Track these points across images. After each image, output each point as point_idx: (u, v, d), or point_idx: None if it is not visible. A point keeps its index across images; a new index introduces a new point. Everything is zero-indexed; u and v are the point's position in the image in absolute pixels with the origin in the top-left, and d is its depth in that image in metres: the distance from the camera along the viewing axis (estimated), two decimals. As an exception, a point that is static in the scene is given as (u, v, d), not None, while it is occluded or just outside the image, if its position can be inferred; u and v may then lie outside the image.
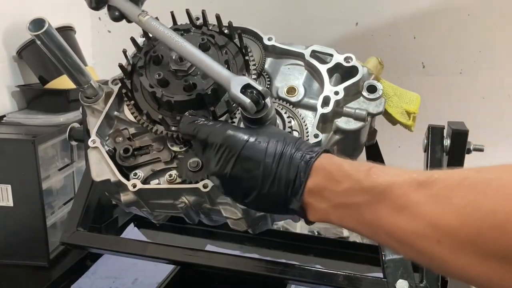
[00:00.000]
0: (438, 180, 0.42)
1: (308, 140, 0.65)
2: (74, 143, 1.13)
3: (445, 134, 0.84)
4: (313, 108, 0.68)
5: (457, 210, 0.39)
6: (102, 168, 0.67)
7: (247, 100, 0.54)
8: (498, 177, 0.39)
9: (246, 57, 0.65)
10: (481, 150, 0.82)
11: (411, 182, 0.43)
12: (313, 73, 0.72)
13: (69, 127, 1.10)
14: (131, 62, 0.69)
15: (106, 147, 0.69)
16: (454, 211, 0.39)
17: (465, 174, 0.41)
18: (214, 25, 0.68)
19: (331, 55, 0.71)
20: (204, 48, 0.65)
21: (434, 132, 0.84)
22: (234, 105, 0.63)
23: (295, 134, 0.66)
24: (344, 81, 0.69)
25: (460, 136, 0.81)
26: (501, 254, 0.37)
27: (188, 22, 0.68)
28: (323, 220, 0.52)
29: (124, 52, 0.68)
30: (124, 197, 0.68)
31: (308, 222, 0.54)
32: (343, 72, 0.71)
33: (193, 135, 0.58)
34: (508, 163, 0.40)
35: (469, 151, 0.82)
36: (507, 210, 0.36)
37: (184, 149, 0.67)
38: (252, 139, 0.53)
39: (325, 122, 0.68)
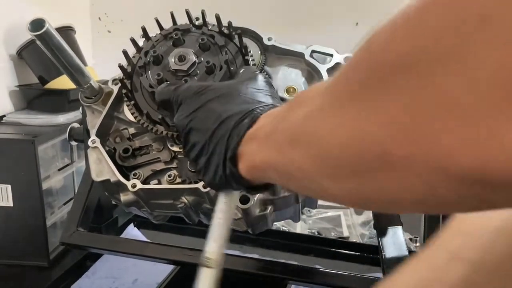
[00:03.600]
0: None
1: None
2: (74, 143, 1.13)
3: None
4: (313, 108, 0.68)
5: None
6: (102, 168, 0.67)
7: None
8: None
9: (246, 57, 0.65)
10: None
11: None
12: (313, 73, 0.72)
13: (69, 127, 1.10)
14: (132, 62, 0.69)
15: (106, 147, 0.69)
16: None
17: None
18: (214, 25, 0.68)
19: (331, 55, 0.71)
20: (204, 48, 0.65)
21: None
22: None
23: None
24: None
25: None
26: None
27: (188, 22, 0.68)
28: (250, 169, 0.45)
29: (125, 52, 0.68)
30: (124, 197, 0.68)
31: (242, 182, 0.48)
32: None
33: (168, 98, 0.56)
34: None
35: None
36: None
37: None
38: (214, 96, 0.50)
39: (325, 122, 0.68)
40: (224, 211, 0.53)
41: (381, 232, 0.82)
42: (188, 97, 0.53)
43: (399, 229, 0.82)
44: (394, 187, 0.27)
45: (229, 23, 0.67)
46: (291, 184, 0.42)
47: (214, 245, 0.52)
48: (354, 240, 1.29)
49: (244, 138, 0.46)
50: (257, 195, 0.64)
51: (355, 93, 0.29)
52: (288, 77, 0.72)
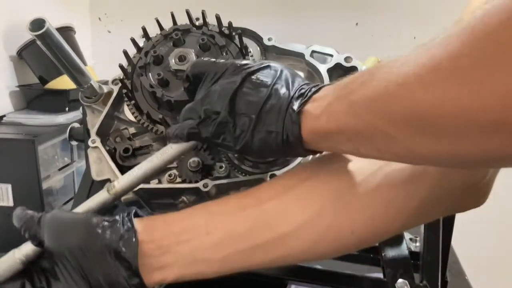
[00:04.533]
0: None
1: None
2: (74, 143, 1.13)
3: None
4: (313, 108, 0.68)
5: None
6: (102, 168, 0.67)
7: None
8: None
9: (247, 57, 0.65)
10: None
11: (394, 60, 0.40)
12: (313, 73, 0.72)
13: (69, 127, 1.10)
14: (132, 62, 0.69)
15: (106, 146, 0.69)
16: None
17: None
18: (214, 25, 0.68)
19: (331, 55, 0.71)
20: (204, 48, 0.66)
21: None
22: None
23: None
24: (344, 81, 0.69)
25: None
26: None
27: (188, 22, 0.68)
28: (313, 131, 0.46)
29: (125, 52, 0.68)
30: (124, 197, 0.68)
31: (302, 145, 0.48)
32: (343, 72, 0.71)
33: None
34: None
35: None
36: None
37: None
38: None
39: (325, 122, 0.68)
40: (160, 156, 0.56)
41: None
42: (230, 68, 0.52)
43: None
44: (504, 147, 0.32)
45: (230, 23, 0.67)
46: (363, 148, 0.44)
47: (126, 178, 0.56)
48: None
49: (308, 101, 0.47)
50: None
51: (465, 68, 0.32)
52: (288, 77, 0.72)
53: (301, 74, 0.72)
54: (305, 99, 0.47)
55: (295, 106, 0.47)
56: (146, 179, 0.58)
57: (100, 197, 0.57)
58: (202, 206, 0.56)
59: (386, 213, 0.51)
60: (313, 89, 0.48)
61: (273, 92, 0.49)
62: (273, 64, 0.52)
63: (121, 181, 0.57)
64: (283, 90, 0.49)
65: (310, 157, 0.58)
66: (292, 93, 0.48)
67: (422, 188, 0.51)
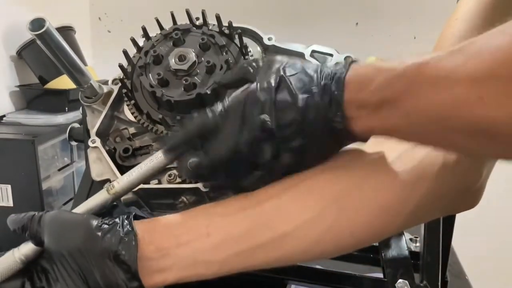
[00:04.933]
0: (469, 44, 0.39)
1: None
2: (74, 143, 1.13)
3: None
4: (313, 108, 0.68)
5: (492, 57, 0.37)
6: (102, 168, 0.67)
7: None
8: None
9: (246, 57, 0.65)
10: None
11: (443, 54, 0.40)
12: (313, 73, 0.72)
13: (69, 127, 1.10)
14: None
15: (106, 147, 0.69)
16: (489, 59, 0.37)
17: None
18: (214, 25, 0.68)
19: (331, 55, 0.71)
20: (204, 48, 0.66)
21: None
22: None
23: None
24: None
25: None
26: None
27: (188, 22, 0.68)
28: (369, 131, 0.47)
29: (125, 52, 0.68)
30: (123, 197, 0.68)
31: (356, 138, 0.50)
32: (343, 72, 0.71)
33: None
34: None
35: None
36: None
37: (184, 149, 0.67)
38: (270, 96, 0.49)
39: (325, 122, 0.68)
40: (158, 158, 0.57)
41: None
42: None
43: (399, 229, 0.82)
44: None
45: (230, 23, 0.67)
46: (421, 144, 0.47)
47: (126, 178, 0.57)
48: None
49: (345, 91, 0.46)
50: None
51: None
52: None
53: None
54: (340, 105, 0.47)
55: (339, 119, 0.47)
56: (148, 178, 0.58)
57: (99, 198, 0.57)
58: (203, 208, 0.56)
59: (384, 216, 0.52)
60: (336, 92, 0.47)
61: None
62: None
63: (121, 181, 0.57)
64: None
65: None
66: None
67: (418, 192, 0.52)
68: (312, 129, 0.48)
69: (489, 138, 0.38)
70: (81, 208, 0.56)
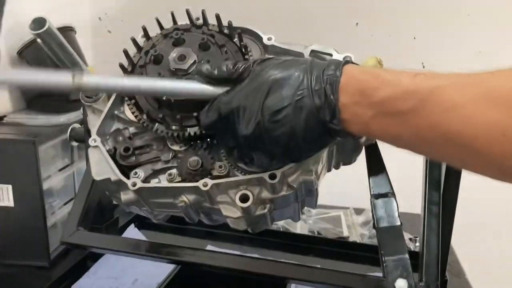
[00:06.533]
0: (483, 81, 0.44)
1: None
2: (74, 143, 1.13)
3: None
4: (313, 108, 0.68)
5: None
6: (102, 167, 0.67)
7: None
8: None
9: (246, 56, 0.65)
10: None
11: (456, 84, 0.44)
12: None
13: (70, 127, 1.10)
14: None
15: (106, 146, 0.69)
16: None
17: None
18: (214, 24, 0.68)
19: (331, 55, 0.71)
20: (204, 47, 0.66)
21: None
22: None
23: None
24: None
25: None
26: None
27: (188, 22, 0.69)
28: (364, 132, 0.52)
29: (125, 52, 0.68)
30: (124, 196, 0.68)
31: (350, 135, 0.54)
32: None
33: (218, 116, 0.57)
34: None
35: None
36: None
37: (184, 148, 0.68)
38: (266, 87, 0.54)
39: (325, 121, 0.68)
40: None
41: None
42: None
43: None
44: None
45: (229, 23, 0.67)
46: (418, 152, 0.50)
47: (100, 77, 0.57)
48: (354, 240, 1.29)
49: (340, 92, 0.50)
50: (257, 194, 0.64)
51: None
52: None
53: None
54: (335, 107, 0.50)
55: (334, 123, 0.51)
56: (123, 91, 0.58)
57: (59, 78, 0.54)
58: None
59: None
60: (332, 96, 0.50)
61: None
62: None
63: (91, 77, 0.55)
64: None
65: None
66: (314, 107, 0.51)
67: None
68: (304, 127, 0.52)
69: (498, 170, 0.43)
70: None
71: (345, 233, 1.34)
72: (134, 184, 0.65)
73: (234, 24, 0.67)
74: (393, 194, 0.76)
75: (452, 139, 0.44)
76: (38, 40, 0.61)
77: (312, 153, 0.59)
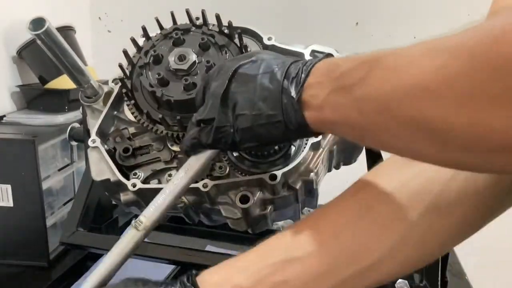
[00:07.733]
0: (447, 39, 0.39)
1: (307, 141, 0.65)
2: (74, 143, 1.13)
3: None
4: (313, 108, 0.68)
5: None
6: (102, 168, 0.67)
7: None
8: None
9: (246, 57, 0.65)
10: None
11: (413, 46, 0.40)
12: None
13: (69, 127, 1.09)
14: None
15: (106, 146, 0.69)
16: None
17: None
18: (214, 24, 0.68)
19: (331, 55, 0.71)
20: (204, 47, 0.66)
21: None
22: None
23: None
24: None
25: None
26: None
27: (188, 22, 0.68)
28: (317, 120, 0.46)
29: (125, 52, 0.68)
30: (124, 197, 0.68)
31: (307, 130, 0.48)
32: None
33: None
34: None
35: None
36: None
37: (184, 148, 0.67)
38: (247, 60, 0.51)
39: (325, 121, 0.68)
40: (185, 174, 0.55)
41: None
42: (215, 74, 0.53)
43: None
44: (502, 161, 0.33)
45: (229, 23, 0.67)
46: (368, 139, 0.45)
47: (151, 211, 0.54)
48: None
49: (304, 88, 0.46)
50: (257, 195, 0.64)
51: (481, 91, 0.31)
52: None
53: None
54: (301, 85, 0.46)
55: (293, 93, 0.46)
56: (174, 202, 0.56)
57: (130, 238, 0.54)
58: (276, 241, 0.58)
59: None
60: (303, 75, 0.47)
61: (261, 83, 0.49)
62: (256, 55, 0.52)
63: (147, 214, 0.54)
64: (269, 79, 0.48)
65: None
66: (281, 80, 0.47)
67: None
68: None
69: (429, 137, 0.36)
70: (115, 255, 0.55)
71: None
72: (134, 185, 0.65)
73: (234, 24, 0.67)
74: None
75: (384, 105, 0.38)
76: (37, 40, 0.61)
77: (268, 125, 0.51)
